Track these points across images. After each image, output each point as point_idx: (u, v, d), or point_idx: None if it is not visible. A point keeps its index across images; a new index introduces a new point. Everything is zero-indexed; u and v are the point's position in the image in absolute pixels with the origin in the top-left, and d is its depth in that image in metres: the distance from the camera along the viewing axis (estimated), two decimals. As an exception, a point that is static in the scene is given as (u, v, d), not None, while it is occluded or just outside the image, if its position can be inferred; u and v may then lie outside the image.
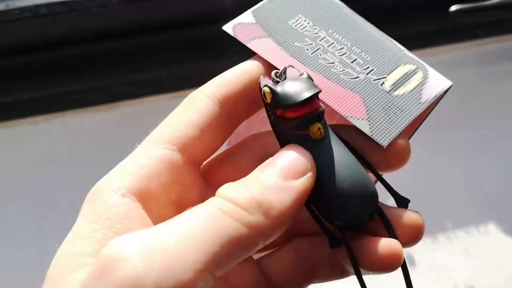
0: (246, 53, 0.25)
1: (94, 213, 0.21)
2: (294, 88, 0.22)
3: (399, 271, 0.23)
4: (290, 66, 0.23)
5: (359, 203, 0.22)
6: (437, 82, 0.26)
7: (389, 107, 0.24)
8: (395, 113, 0.24)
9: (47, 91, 0.53)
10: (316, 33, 0.26)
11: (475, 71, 0.55)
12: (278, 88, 0.22)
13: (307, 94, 0.21)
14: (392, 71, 0.25)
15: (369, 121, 0.23)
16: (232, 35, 0.26)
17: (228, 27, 0.26)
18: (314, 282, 0.25)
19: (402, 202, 0.23)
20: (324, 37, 0.26)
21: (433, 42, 0.54)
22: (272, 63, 0.24)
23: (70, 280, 0.19)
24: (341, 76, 0.24)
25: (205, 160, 0.24)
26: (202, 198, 0.23)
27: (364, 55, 0.26)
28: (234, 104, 0.24)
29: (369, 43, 0.26)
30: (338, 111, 0.23)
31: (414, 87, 0.25)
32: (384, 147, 0.23)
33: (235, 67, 0.24)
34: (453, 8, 0.51)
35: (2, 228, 0.49)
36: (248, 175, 0.21)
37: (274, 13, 0.27)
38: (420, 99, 0.25)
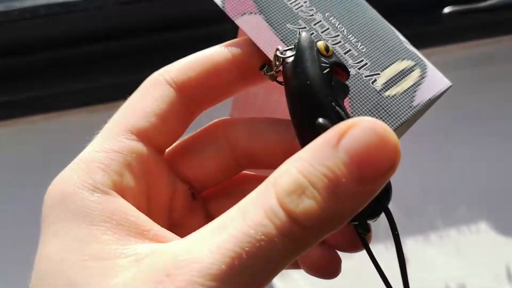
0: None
1: (86, 214, 0.19)
2: None
3: (396, 269, 0.23)
4: (277, 50, 0.22)
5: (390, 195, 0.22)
6: (435, 83, 0.24)
7: (376, 109, 0.23)
8: (381, 118, 0.22)
9: (46, 91, 0.53)
10: (312, 15, 0.24)
11: (468, 72, 0.55)
12: None
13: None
14: (387, 67, 0.24)
15: None
16: (220, 6, 0.24)
17: None
18: None
19: None
20: (320, 21, 0.24)
21: (426, 43, 0.54)
22: (259, 46, 0.23)
23: (116, 283, 0.17)
24: None
25: (168, 148, 0.24)
26: (170, 188, 0.23)
27: (360, 46, 0.24)
28: (194, 91, 0.23)
29: (367, 31, 0.24)
30: None
31: (408, 88, 0.23)
32: None
33: (201, 51, 0.23)
34: (447, 10, 0.51)
35: None
36: (312, 157, 0.16)
37: None
38: (412, 102, 0.23)
